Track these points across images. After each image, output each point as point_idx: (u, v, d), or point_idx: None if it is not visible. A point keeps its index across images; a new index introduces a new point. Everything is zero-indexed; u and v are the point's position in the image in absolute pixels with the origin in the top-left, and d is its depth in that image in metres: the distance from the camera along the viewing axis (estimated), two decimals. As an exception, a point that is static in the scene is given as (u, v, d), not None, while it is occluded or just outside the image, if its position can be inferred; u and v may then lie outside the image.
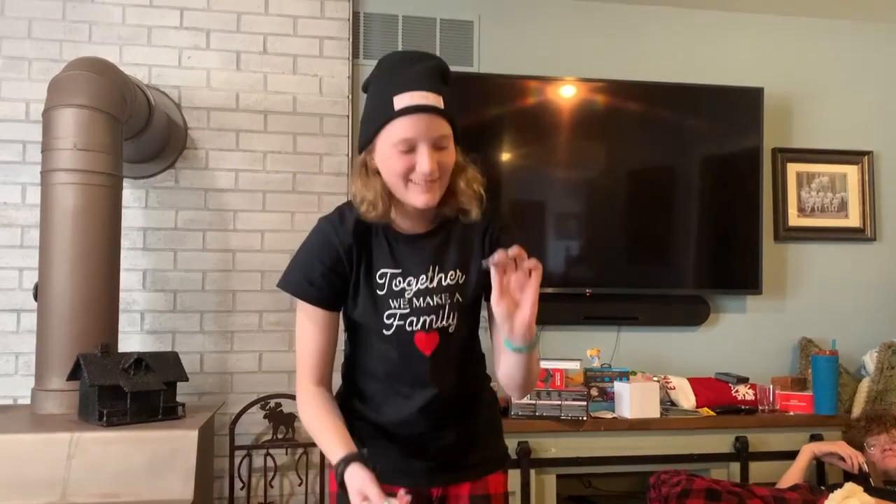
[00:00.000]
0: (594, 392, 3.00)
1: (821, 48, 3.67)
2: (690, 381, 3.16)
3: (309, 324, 1.49)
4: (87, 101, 2.35)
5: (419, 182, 1.37)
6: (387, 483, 1.33)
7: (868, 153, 3.65)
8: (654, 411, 2.92)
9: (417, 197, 1.38)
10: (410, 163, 1.36)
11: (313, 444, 2.94)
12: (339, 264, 1.46)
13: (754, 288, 3.41)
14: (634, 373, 3.09)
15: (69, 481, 1.99)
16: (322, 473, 2.95)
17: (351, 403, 1.57)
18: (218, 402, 2.85)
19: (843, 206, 3.63)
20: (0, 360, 2.86)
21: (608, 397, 3.01)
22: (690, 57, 3.54)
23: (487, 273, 1.30)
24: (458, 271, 1.50)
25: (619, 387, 2.98)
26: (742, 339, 3.50)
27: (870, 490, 2.50)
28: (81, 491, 1.99)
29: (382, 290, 1.47)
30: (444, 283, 1.48)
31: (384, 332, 1.48)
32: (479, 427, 1.61)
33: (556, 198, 3.32)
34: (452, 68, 1.50)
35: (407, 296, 1.47)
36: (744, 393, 3.12)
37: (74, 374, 2.20)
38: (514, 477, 2.73)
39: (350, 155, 3.12)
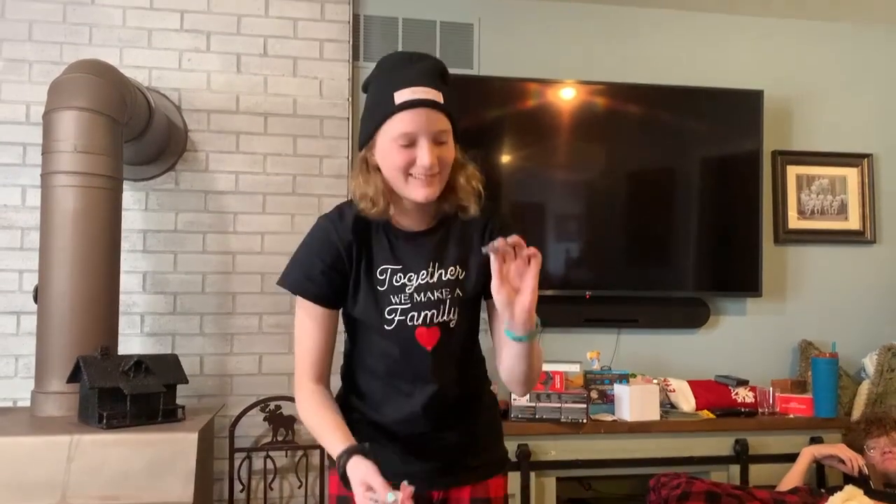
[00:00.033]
0: (594, 394, 3.00)
1: (820, 51, 3.67)
2: (690, 383, 3.15)
3: (308, 321, 1.50)
4: (88, 103, 2.35)
5: (419, 176, 1.39)
6: None
7: (868, 156, 3.65)
8: (653, 414, 2.92)
9: (418, 191, 1.40)
10: (411, 157, 1.38)
11: (313, 447, 2.95)
12: (339, 261, 1.47)
13: (754, 290, 3.41)
14: (634, 375, 3.09)
15: (69, 484, 1.99)
16: (322, 476, 2.95)
17: (351, 403, 1.57)
18: (218, 405, 2.85)
19: (842, 209, 3.63)
20: (0, 362, 2.86)
21: (608, 400, 3.01)
22: (690, 59, 3.54)
23: (487, 270, 1.32)
24: (457, 267, 1.51)
25: (618, 389, 2.98)
26: (742, 342, 3.50)
27: (870, 493, 2.50)
28: (81, 493, 1.99)
29: (383, 286, 1.48)
30: (444, 279, 1.49)
31: (385, 327, 1.48)
32: (480, 429, 1.61)
33: (556, 200, 3.32)
34: (452, 71, 1.52)
35: (408, 291, 1.48)
36: (744, 395, 3.12)
37: (74, 377, 2.20)
38: (513, 479, 2.73)
39: (350, 157, 3.13)
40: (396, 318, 1.48)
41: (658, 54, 3.52)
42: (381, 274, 1.48)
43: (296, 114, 3.11)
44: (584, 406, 2.83)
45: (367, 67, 3.19)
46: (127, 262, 2.79)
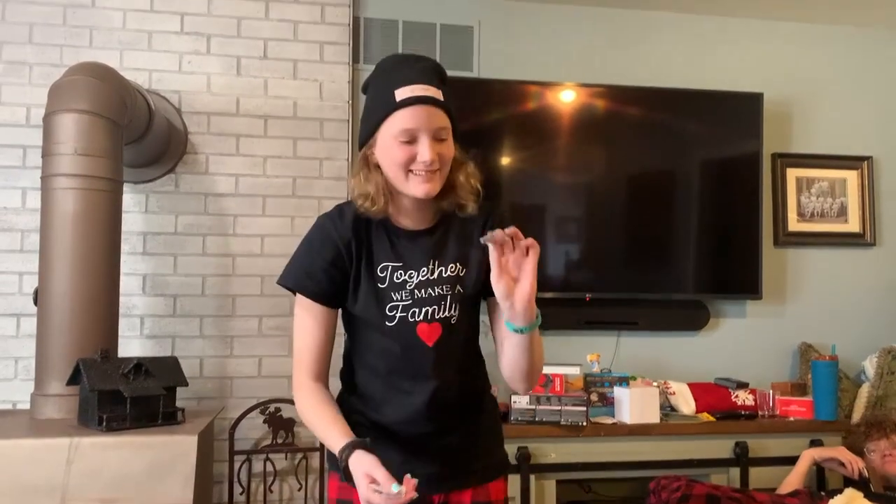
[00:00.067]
0: (594, 397, 3.01)
1: (820, 53, 3.68)
2: (690, 386, 3.15)
3: (308, 318, 1.50)
4: (88, 106, 2.35)
5: (420, 172, 1.41)
6: None
7: (868, 158, 3.65)
8: (653, 416, 2.92)
9: (418, 187, 1.42)
10: (412, 153, 1.40)
11: (313, 449, 2.95)
12: (339, 259, 1.48)
13: (754, 293, 3.41)
14: (634, 378, 3.09)
15: (68, 486, 1.99)
16: (322, 478, 2.95)
17: (351, 405, 1.56)
18: (217, 407, 2.85)
19: (842, 211, 3.64)
20: (-1, 364, 2.86)
21: (608, 402, 3.01)
22: (690, 62, 3.55)
23: (487, 267, 1.33)
24: (458, 264, 1.52)
25: (618, 392, 2.98)
26: (742, 344, 3.50)
27: (870, 496, 2.51)
28: (81, 496, 1.99)
29: (384, 283, 1.49)
30: (444, 276, 1.51)
31: (387, 323, 1.48)
32: (481, 432, 1.61)
33: (557, 203, 3.32)
34: (452, 73, 1.53)
35: (409, 287, 1.49)
36: (744, 398, 3.12)
37: (74, 379, 2.20)
38: (513, 482, 2.73)
39: (350, 159, 3.13)
40: (398, 315, 1.48)
41: (658, 57, 3.52)
42: (381, 271, 1.49)
43: (296, 116, 3.12)
44: (584, 409, 2.83)
45: (368, 70, 3.18)
46: (127, 264, 2.80)
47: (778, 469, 2.91)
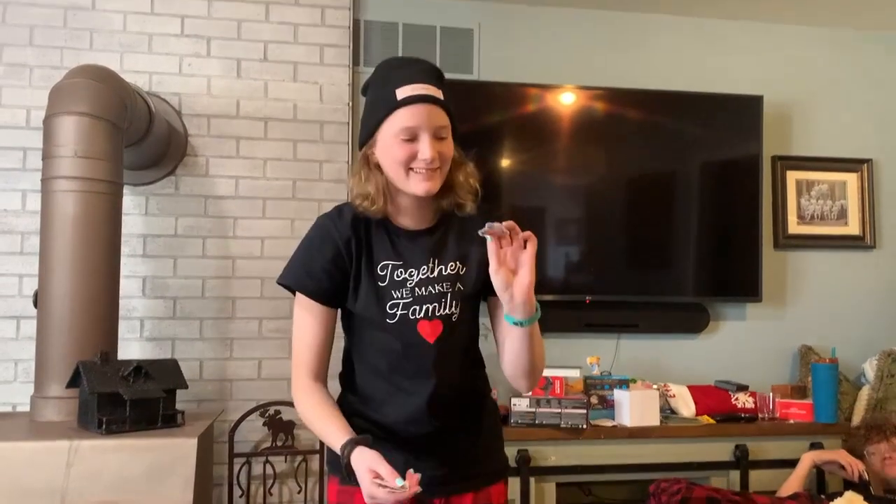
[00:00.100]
0: (594, 400, 3.01)
1: (820, 56, 3.68)
2: (690, 388, 3.15)
3: (308, 317, 1.50)
4: (88, 108, 2.36)
5: (420, 170, 1.42)
6: None
7: (867, 161, 3.66)
8: (653, 419, 2.92)
9: (419, 185, 1.43)
10: (412, 151, 1.41)
11: (313, 452, 2.95)
12: (338, 257, 1.48)
13: (754, 295, 3.41)
14: (634, 380, 3.09)
15: (68, 489, 1.99)
16: (321, 481, 2.95)
17: (351, 407, 1.55)
18: (217, 410, 2.85)
19: (842, 214, 3.64)
20: (-1, 366, 2.86)
21: (608, 405, 3.01)
22: (690, 65, 3.55)
23: (487, 266, 1.34)
24: (457, 263, 1.53)
25: (618, 394, 2.98)
26: (742, 347, 3.50)
27: (870, 499, 2.51)
28: (80, 499, 1.99)
29: (384, 281, 1.49)
30: (444, 274, 1.51)
31: (387, 321, 1.48)
32: (482, 435, 1.61)
33: (557, 205, 3.32)
34: (452, 76, 1.54)
35: (409, 285, 1.49)
36: (743, 401, 3.11)
37: (74, 382, 2.20)
38: (513, 485, 2.73)
39: (350, 162, 3.13)
40: (398, 313, 1.48)
41: (658, 60, 3.52)
42: (381, 270, 1.50)
43: (296, 118, 3.12)
44: (584, 411, 2.83)
45: (368, 72, 3.17)
46: (127, 266, 2.80)
47: (778, 472, 2.91)
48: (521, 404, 2.83)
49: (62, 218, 2.33)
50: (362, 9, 3.29)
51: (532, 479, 2.80)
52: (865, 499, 2.44)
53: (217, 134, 3.06)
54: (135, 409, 2.16)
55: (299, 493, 2.97)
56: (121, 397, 2.13)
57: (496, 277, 1.33)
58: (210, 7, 3.08)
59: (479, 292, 1.56)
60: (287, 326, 2.95)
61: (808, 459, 2.81)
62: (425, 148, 1.40)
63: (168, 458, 2.07)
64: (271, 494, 2.96)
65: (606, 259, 3.34)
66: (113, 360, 2.30)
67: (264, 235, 3.06)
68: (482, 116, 3.23)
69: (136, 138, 2.69)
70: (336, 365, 1.60)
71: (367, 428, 1.51)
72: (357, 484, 1.34)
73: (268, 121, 3.10)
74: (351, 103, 3.16)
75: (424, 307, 1.49)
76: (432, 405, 1.50)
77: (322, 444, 2.90)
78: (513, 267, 1.34)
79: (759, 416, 3.11)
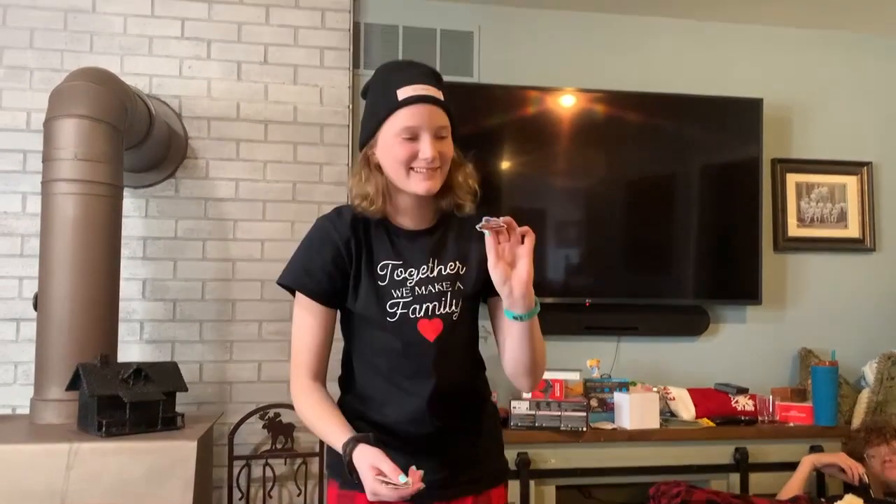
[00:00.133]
0: (594, 403, 3.00)
1: (820, 59, 3.68)
2: (690, 391, 3.15)
3: (308, 317, 1.51)
4: (88, 111, 2.36)
5: (421, 170, 1.43)
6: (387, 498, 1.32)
7: (867, 164, 3.66)
8: (653, 422, 2.92)
9: (419, 184, 1.44)
10: (413, 150, 1.42)
11: (312, 455, 2.94)
12: (338, 257, 1.49)
13: (754, 298, 3.41)
14: (634, 383, 3.09)
15: (68, 492, 1.99)
16: (321, 484, 2.95)
17: (352, 409, 1.55)
18: (217, 412, 2.85)
19: (842, 217, 3.64)
20: (-1, 369, 2.86)
21: (608, 408, 3.01)
22: (690, 68, 3.55)
23: (486, 265, 1.36)
24: (457, 263, 1.54)
25: (618, 397, 2.98)
26: (742, 350, 3.50)
27: (870, 501, 2.51)
28: (80, 502, 1.99)
29: (384, 280, 1.50)
30: (444, 273, 1.52)
31: (388, 319, 1.49)
32: (483, 438, 1.61)
33: (557, 208, 3.33)
34: (452, 79, 1.56)
35: (409, 285, 1.50)
36: (743, 403, 3.11)
37: (74, 384, 2.20)
38: (513, 488, 2.73)
39: (350, 164, 3.13)
40: (398, 312, 1.49)
41: (658, 62, 3.53)
42: (381, 269, 1.50)
43: (296, 121, 3.12)
44: (584, 414, 2.83)
45: (368, 75, 3.15)
46: (127, 269, 2.79)
47: (778, 475, 2.91)
48: (520, 407, 2.83)
49: (62, 220, 2.33)
50: (362, 12, 3.29)
51: (532, 482, 2.80)
52: (866, 502, 2.44)
53: (217, 136, 3.06)
54: (135, 411, 2.16)
55: (299, 495, 2.97)
56: (121, 400, 2.13)
57: (495, 271, 1.35)
58: (210, 10, 3.08)
59: (478, 293, 1.56)
60: (287, 329, 2.94)
61: (808, 462, 2.81)
62: (426, 147, 1.42)
63: (168, 460, 2.07)
64: (271, 497, 2.96)
65: (606, 262, 3.34)
66: (113, 362, 2.30)
67: (264, 238, 3.06)
68: (482, 119, 3.23)
69: (137, 141, 2.69)
70: (335, 369, 1.60)
71: (367, 430, 1.51)
72: (359, 484, 1.34)
73: (268, 123, 3.10)
74: (351, 106, 3.16)
75: (424, 306, 1.50)
76: (433, 404, 1.50)
77: (322, 446, 2.90)
78: (511, 261, 1.36)
79: (759, 418, 3.11)
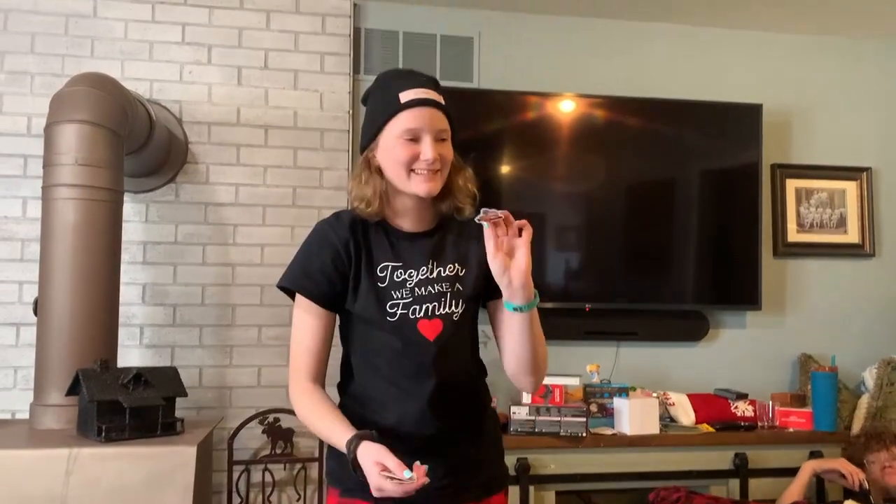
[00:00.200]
0: (593, 408, 3.00)
1: (820, 65, 3.69)
2: (690, 396, 3.15)
3: (307, 318, 1.52)
4: (89, 116, 2.36)
5: (421, 171, 1.45)
6: None
7: (867, 169, 3.66)
8: (653, 427, 2.92)
9: (420, 186, 1.46)
10: (415, 152, 1.45)
11: (312, 460, 2.94)
12: (337, 259, 1.50)
13: (753, 303, 3.41)
14: (634, 388, 3.09)
15: (67, 497, 1.99)
16: (320, 489, 2.95)
17: (352, 412, 1.54)
18: (217, 417, 2.84)
19: (842, 222, 3.64)
20: (-1, 373, 2.86)
21: (608, 413, 3.01)
22: (690, 73, 3.56)
23: (486, 268, 1.39)
24: (456, 265, 1.55)
25: (618, 403, 2.97)
26: (741, 355, 3.50)
27: (869, 508, 2.50)
28: (79, 507, 1.99)
29: (384, 282, 1.51)
30: (443, 275, 1.54)
31: (388, 320, 1.49)
32: (484, 443, 1.62)
33: (556, 213, 3.33)
34: (453, 84, 1.59)
35: (409, 286, 1.51)
36: (743, 409, 3.11)
37: (73, 389, 2.20)
38: (513, 493, 2.72)
39: (350, 169, 3.13)
40: (398, 312, 1.50)
41: (658, 68, 3.53)
42: (381, 271, 1.52)
43: (296, 126, 3.12)
44: (584, 420, 2.83)
45: (368, 81, 3.19)
46: (127, 273, 2.80)
47: (777, 480, 2.91)
48: (520, 412, 2.83)
49: (62, 225, 2.33)
50: (363, 17, 3.30)
51: (531, 488, 2.80)
52: (865, 508, 2.44)
53: (217, 141, 3.06)
54: (134, 416, 2.16)
55: (298, 500, 2.97)
56: (120, 405, 2.13)
57: (494, 262, 1.37)
58: (211, 15, 3.09)
59: (478, 295, 1.57)
60: (286, 334, 2.93)
61: (808, 468, 2.81)
62: (427, 149, 1.44)
63: (167, 465, 2.07)
64: (270, 502, 2.95)
65: (606, 267, 3.35)
66: (112, 367, 2.30)
67: (264, 243, 3.06)
68: (482, 124, 3.23)
69: (137, 146, 2.69)
70: (335, 375, 1.60)
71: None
72: (361, 489, 1.34)
73: (268, 128, 3.10)
74: (351, 111, 3.17)
75: (424, 306, 1.51)
76: (433, 404, 1.50)
77: (321, 452, 2.90)
78: (510, 252, 1.38)
79: (759, 424, 3.11)
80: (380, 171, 1.50)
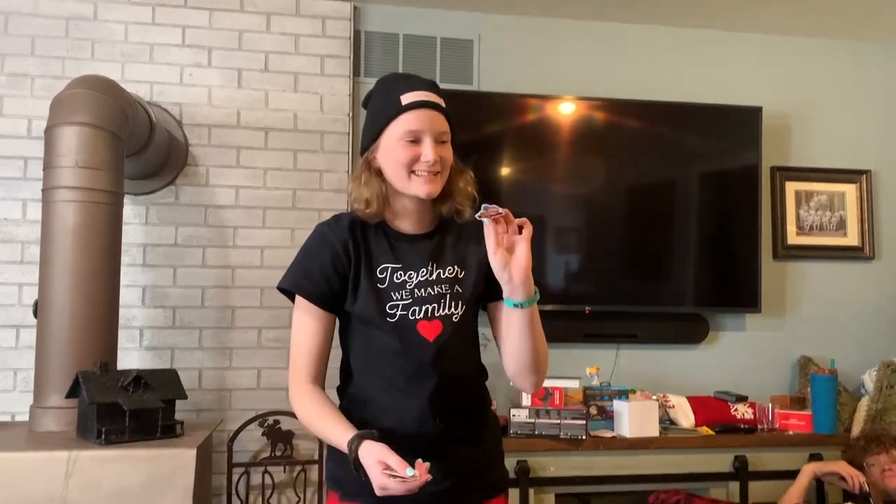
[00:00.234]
0: (593, 411, 3.00)
1: (819, 68, 3.69)
2: (689, 399, 3.15)
3: (307, 320, 1.52)
4: (89, 119, 2.36)
5: (422, 173, 1.46)
6: None
7: (866, 172, 3.66)
8: (653, 430, 2.92)
9: (420, 187, 1.47)
10: (415, 153, 1.46)
11: (311, 462, 2.94)
12: (337, 260, 1.51)
13: (753, 306, 3.41)
14: (634, 391, 3.09)
15: (67, 500, 1.99)
16: (320, 491, 2.94)
17: (352, 414, 1.53)
18: (216, 419, 2.85)
19: (841, 225, 3.64)
20: (-2, 375, 2.86)
21: (607, 416, 3.01)
22: (690, 76, 3.56)
23: (485, 269, 1.41)
24: (455, 267, 1.56)
25: (618, 405, 2.98)
26: (741, 358, 3.50)
27: (869, 510, 2.50)
28: (79, 509, 1.99)
29: (384, 283, 1.52)
30: (442, 276, 1.54)
31: (387, 320, 1.50)
32: (485, 446, 1.62)
33: (556, 215, 3.33)
34: (453, 86, 1.60)
35: (408, 287, 1.52)
36: (743, 412, 3.11)
37: (73, 392, 2.20)
38: (512, 496, 2.72)
39: (350, 172, 3.13)
40: (398, 313, 1.50)
41: (657, 71, 3.53)
42: (381, 272, 1.52)
43: (296, 129, 3.13)
44: (584, 422, 2.83)
45: (368, 83, 3.21)
46: (127, 275, 2.80)
47: (777, 483, 2.91)
48: (520, 415, 2.83)
49: (62, 227, 2.33)
50: (363, 20, 3.30)
51: (531, 491, 2.80)
52: (865, 510, 2.44)
53: (217, 144, 3.06)
54: (134, 419, 2.16)
55: (298, 503, 2.97)
56: (120, 407, 2.13)
57: (494, 258, 1.38)
58: (211, 18, 3.09)
59: (478, 298, 1.58)
60: (286, 336, 2.93)
61: (808, 471, 2.80)
62: (428, 151, 1.45)
63: (167, 468, 2.07)
64: (270, 504, 2.96)
65: (606, 269, 3.34)
66: (112, 369, 2.30)
67: (264, 245, 3.06)
68: (482, 126, 3.24)
69: (137, 148, 2.69)
70: (334, 377, 1.60)
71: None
72: (361, 491, 1.34)
73: (268, 131, 3.11)
74: (351, 113, 3.17)
75: (424, 308, 1.51)
76: (434, 404, 1.50)
77: (321, 454, 2.90)
78: (510, 248, 1.39)
79: (759, 426, 3.11)
80: (380, 173, 1.51)
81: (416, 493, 1.32)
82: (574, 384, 3.01)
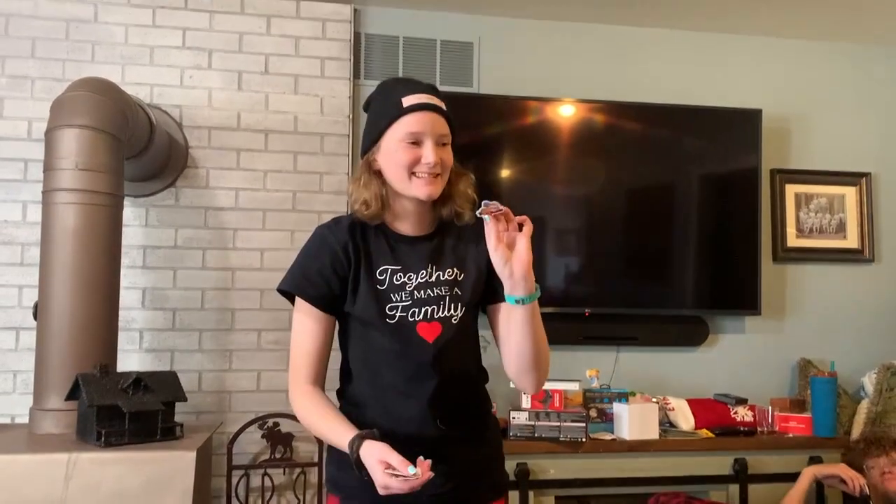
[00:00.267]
0: (593, 413, 3.00)
1: (819, 70, 3.70)
2: (689, 402, 3.15)
3: (307, 321, 1.53)
4: (90, 121, 2.37)
5: (423, 175, 1.47)
6: None
7: (866, 174, 3.66)
8: (653, 433, 2.92)
9: (421, 189, 1.48)
10: (416, 155, 1.47)
11: (311, 464, 2.94)
12: (337, 262, 1.51)
13: (753, 309, 3.41)
14: (633, 394, 3.09)
15: (67, 502, 1.99)
16: (320, 493, 2.94)
17: (351, 416, 1.53)
18: (216, 422, 2.84)
19: (841, 227, 3.64)
20: (-2, 377, 2.86)
21: (607, 418, 3.01)
22: (690, 78, 3.56)
23: (487, 271, 1.42)
24: (455, 269, 1.56)
25: (618, 408, 2.98)
26: (741, 360, 3.50)
27: (869, 513, 2.50)
28: (78, 512, 1.99)
29: (383, 285, 1.52)
30: (442, 279, 1.55)
31: (387, 321, 1.50)
32: (485, 449, 1.62)
33: (556, 218, 3.33)
34: (453, 89, 1.61)
35: (408, 289, 1.52)
36: (742, 414, 3.11)
37: (73, 394, 2.20)
38: (512, 499, 2.71)
39: (350, 174, 3.14)
40: (398, 315, 1.51)
41: (657, 73, 3.54)
42: (380, 274, 1.53)
43: (296, 131, 3.13)
44: (583, 425, 2.83)
45: (368, 85, 3.21)
46: (127, 277, 2.80)
47: (777, 486, 2.90)
48: (520, 417, 2.83)
49: (63, 230, 2.33)
50: (363, 22, 3.31)
51: (531, 493, 2.80)
52: (865, 513, 2.43)
53: (218, 146, 3.07)
54: (134, 421, 2.16)
55: (298, 505, 2.97)
56: (120, 410, 2.13)
57: (495, 254, 1.38)
58: (211, 20, 3.09)
59: (477, 300, 1.58)
60: (286, 338, 2.92)
61: (809, 474, 2.80)
62: (429, 153, 1.46)
63: (167, 470, 2.07)
64: (269, 507, 2.95)
65: (606, 271, 3.34)
66: (112, 372, 2.30)
67: (264, 247, 3.06)
68: (482, 129, 3.24)
69: (137, 150, 2.70)
70: (334, 379, 1.60)
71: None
72: (364, 490, 1.34)
73: (268, 133, 3.11)
74: (351, 116, 3.17)
75: (423, 309, 1.51)
76: (434, 404, 1.51)
77: (321, 456, 2.90)
78: (511, 244, 1.40)
79: (758, 429, 3.10)
80: (380, 175, 1.52)
81: (416, 495, 1.32)
82: (574, 386, 3.01)
